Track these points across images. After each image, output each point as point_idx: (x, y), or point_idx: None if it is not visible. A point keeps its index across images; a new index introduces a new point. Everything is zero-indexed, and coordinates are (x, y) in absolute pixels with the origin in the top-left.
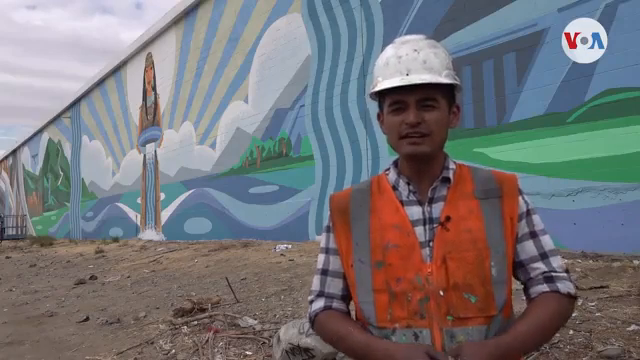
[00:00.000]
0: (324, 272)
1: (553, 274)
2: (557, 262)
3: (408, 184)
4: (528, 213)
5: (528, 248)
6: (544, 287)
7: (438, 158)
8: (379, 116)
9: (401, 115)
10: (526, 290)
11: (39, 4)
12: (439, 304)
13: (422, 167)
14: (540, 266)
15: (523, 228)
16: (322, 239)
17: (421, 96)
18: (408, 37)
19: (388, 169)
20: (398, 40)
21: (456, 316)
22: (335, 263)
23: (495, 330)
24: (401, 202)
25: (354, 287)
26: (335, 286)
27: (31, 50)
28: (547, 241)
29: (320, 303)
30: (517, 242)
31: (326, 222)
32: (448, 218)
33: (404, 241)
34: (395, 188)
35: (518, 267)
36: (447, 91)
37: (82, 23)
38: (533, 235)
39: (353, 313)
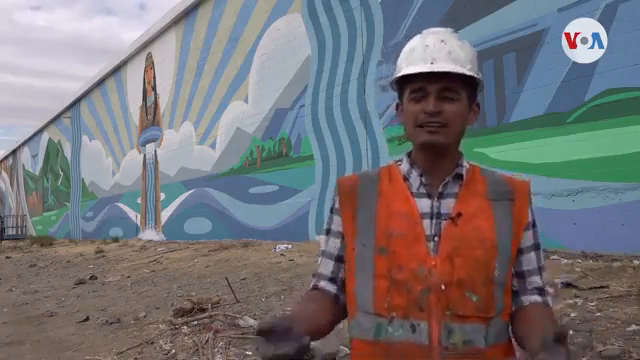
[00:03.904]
0: (322, 253)
1: (544, 288)
2: (545, 276)
3: (421, 176)
4: (534, 224)
5: (531, 260)
6: (537, 298)
7: (452, 153)
8: (397, 106)
9: (421, 104)
10: (515, 295)
11: (43, 5)
12: (439, 298)
13: (436, 159)
14: (537, 280)
15: (529, 239)
16: (326, 220)
17: (443, 85)
18: (436, 29)
19: (400, 160)
20: (426, 31)
21: (454, 313)
22: (332, 245)
23: (495, 332)
24: (411, 193)
25: (352, 271)
26: (325, 266)
27: (32, 50)
28: (542, 254)
29: (311, 284)
30: (522, 253)
31: (331, 204)
32: (459, 214)
33: (410, 230)
34: (406, 179)
35: (517, 276)
36: (469, 86)
37: (85, 24)
38: (536, 247)
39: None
